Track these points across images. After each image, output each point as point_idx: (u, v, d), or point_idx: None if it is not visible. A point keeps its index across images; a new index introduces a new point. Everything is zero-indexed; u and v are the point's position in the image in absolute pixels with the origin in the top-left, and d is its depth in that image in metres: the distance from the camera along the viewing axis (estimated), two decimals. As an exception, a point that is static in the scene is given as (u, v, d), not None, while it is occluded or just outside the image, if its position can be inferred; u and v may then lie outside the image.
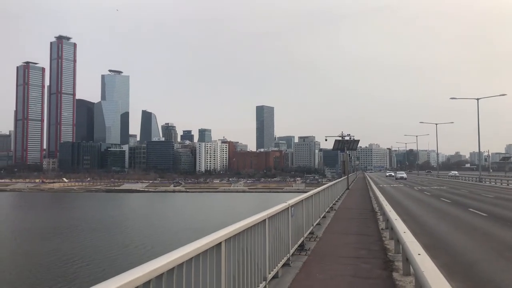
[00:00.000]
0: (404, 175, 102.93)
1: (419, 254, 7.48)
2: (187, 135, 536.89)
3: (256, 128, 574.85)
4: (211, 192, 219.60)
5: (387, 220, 16.43)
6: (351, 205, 30.64)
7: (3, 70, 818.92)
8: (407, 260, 8.84)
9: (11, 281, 41.47)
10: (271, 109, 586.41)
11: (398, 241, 11.37)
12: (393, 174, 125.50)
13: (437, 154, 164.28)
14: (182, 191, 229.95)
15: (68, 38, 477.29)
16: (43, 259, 50.45)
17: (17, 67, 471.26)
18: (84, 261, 48.90)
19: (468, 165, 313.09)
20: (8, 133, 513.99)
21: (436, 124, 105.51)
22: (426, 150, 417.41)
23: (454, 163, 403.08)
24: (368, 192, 42.88)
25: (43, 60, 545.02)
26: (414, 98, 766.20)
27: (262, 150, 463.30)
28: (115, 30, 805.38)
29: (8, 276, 43.31)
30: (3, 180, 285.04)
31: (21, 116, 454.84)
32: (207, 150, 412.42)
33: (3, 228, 79.84)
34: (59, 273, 43.66)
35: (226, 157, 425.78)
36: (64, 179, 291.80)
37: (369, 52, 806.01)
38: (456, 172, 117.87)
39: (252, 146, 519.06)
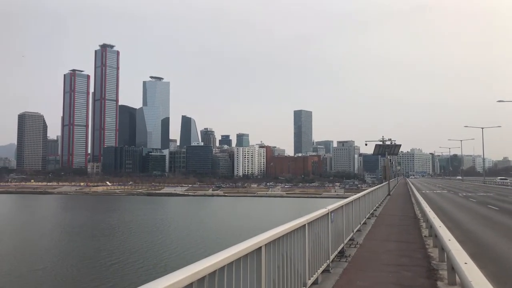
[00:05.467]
0: None
1: (465, 263, 7.21)
2: (225, 139, 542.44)
3: (294, 133, 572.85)
4: (249, 196, 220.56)
5: (430, 227, 15.94)
6: (393, 212, 29.92)
7: (52, 78, 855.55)
8: (453, 269, 8.52)
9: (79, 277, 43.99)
10: (309, 114, 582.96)
11: (442, 249, 11.00)
12: None
13: (483, 159, 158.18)
14: (220, 195, 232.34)
15: (112, 46, 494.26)
16: (105, 258, 53.16)
17: (64, 75, 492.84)
18: (140, 262, 50.73)
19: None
20: (55, 138, 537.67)
21: (482, 128, 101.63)
22: (471, 155, 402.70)
23: (502, 168, 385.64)
24: (410, 198, 41.76)
25: (88, 67, 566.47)
26: (459, 102, 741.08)
27: (300, 154, 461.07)
28: (156, 37, 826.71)
29: (82, 272, 45.87)
30: (51, 183, 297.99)
31: (68, 122, 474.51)
32: (245, 155, 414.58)
33: (68, 229, 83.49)
34: (119, 272, 45.77)
35: (263, 162, 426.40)
36: (108, 182, 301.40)
37: (411, 56, 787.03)
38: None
39: (289, 151, 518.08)
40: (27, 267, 47.88)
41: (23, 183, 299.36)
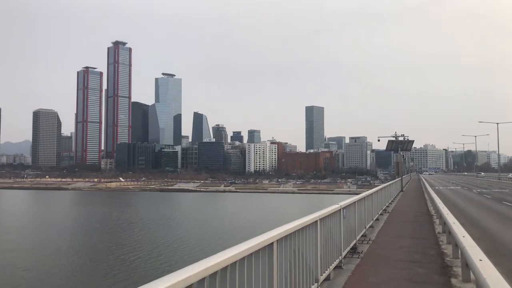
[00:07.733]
0: None
1: (480, 260, 7.11)
2: (237, 136, 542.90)
3: (306, 129, 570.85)
4: (260, 192, 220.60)
5: (444, 223, 15.78)
6: (406, 208, 29.67)
7: (66, 76, 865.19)
8: (467, 265, 8.42)
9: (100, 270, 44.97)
10: (321, 109, 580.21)
11: (456, 245, 10.88)
12: None
13: (498, 155, 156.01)
14: (232, 191, 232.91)
15: (124, 43, 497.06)
16: (124, 253, 53.92)
17: (78, 72, 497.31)
18: (155, 257, 51.53)
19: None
20: (69, 135, 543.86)
21: (497, 123, 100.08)
22: (485, 151, 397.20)
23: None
24: (423, 195, 41.39)
25: (101, 64, 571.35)
26: (474, 97, 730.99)
27: (311, 151, 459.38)
28: (168, 34, 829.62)
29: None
30: (65, 179, 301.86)
31: (81, 119, 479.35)
32: (257, 151, 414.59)
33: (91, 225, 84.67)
34: (136, 267, 46.52)
35: (275, 158, 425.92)
36: (121, 178, 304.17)
37: (425, 51, 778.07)
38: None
39: (301, 147, 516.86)
40: (50, 263, 48.41)
41: (38, 179, 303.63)
